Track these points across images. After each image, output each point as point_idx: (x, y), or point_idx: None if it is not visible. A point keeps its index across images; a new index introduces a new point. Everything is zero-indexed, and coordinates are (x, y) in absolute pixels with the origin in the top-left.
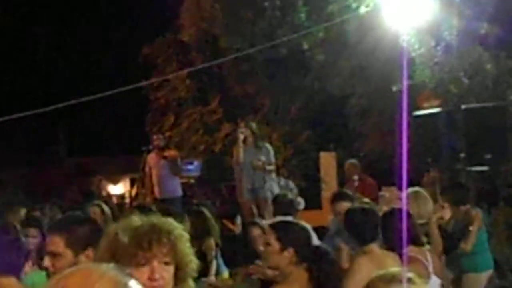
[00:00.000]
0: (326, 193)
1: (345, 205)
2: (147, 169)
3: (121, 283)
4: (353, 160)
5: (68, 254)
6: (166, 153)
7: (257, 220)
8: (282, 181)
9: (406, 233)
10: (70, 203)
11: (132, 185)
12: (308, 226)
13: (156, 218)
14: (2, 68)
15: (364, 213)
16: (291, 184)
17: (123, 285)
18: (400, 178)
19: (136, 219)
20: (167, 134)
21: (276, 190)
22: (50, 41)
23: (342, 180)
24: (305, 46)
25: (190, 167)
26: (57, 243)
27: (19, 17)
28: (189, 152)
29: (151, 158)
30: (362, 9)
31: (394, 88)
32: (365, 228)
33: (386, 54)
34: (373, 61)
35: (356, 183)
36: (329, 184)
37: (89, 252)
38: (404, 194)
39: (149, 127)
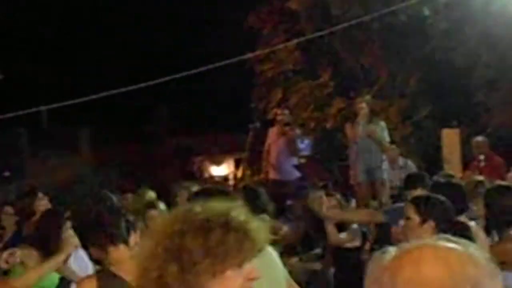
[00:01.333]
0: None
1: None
2: (266, 146)
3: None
4: (480, 137)
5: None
6: (288, 130)
7: (333, 193)
8: (401, 161)
9: None
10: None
11: (237, 166)
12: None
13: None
14: (100, 45)
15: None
16: (411, 164)
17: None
18: None
19: (202, 217)
20: (275, 110)
21: (389, 173)
22: (148, 13)
23: (467, 159)
24: (426, 12)
25: (300, 145)
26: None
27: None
28: (299, 130)
29: (272, 134)
30: None
31: None
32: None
33: None
34: (501, 27)
35: (482, 163)
36: (453, 164)
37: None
38: None
39: (255, 103)
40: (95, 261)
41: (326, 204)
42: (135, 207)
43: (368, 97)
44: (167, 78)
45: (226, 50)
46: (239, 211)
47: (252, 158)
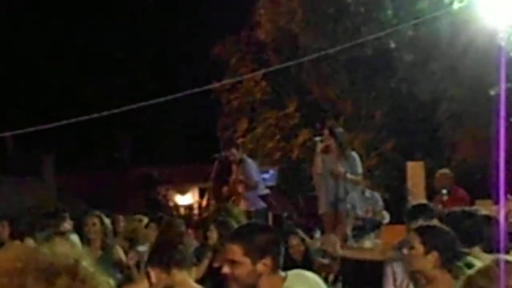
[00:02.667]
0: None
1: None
2: (232, 179)
3: None
4: (444, 170)
5: (247, 262)
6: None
7: (297, 230)
8: (368, 193)
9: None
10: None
11: (201, 195)
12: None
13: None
14: (68, 72)
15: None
16: (377, 196)
17: None
18: (497, 191)
19: (49, 259)
20: (240, 140)
21: (358, 204)
22: (113, 41)
23: (431, 192)
24: (392, 46)
25: (265, 176)
26: (236, 251)
27: (79, 22)
28: (264, 160)
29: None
30: (455, 5)
31: (491, 92)
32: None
33: (481, 54)
34: (467, 62)
35: (445, 197)
36: (417, 196)
37: (267, 260)
38: (501, 208)
39: (220, 133)
40: None
41: (339, 244)
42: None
43: (340, 129)
44: (132, 106)
45: (192, 79)
46: (88, 262)
47: (217, 188)
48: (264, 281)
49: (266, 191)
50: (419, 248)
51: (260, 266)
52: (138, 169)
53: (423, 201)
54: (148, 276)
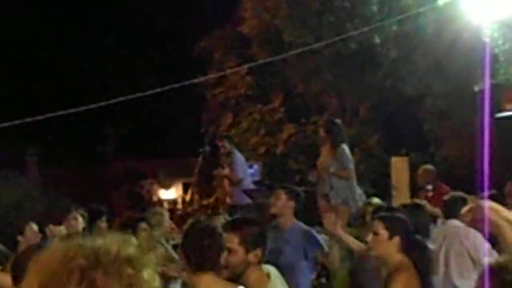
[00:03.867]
0: (397, 202)
1: None
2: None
3: None
4: (427, 166)
5: (241, 251)
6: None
7: None
8: (359, 190)
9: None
10: (119, 208)
11: (185, 190)
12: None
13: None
14: (51, 65)
15: None
16: (359, 191)
17: None
18: (481, 186)
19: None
20: (224, 134)
21: (351, 196)
22: (98, 35)
23: (415, 187)
24: (377, 41)
25: (249, 170)
26: (232, 239)
27: (63, 14)
28: (248, 155)
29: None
30: (440, 1)
31: (476, 88)
32: None
33: (466, 50)
34: (452, 58)
35: (430, 193)
36: (401, 192)
37: (258, 252)
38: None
39: (205, 128)
40: None
41: (340, 224)
42: None
43: (338, 121)
44: (116, 100)
45: (177, 74)
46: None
47: (201, 182)
48: (251, 271)
49: (251, 186)
50: (384, 233)
51: (251, 256)
52: (122, 163)
53: (406, 196)
54: None
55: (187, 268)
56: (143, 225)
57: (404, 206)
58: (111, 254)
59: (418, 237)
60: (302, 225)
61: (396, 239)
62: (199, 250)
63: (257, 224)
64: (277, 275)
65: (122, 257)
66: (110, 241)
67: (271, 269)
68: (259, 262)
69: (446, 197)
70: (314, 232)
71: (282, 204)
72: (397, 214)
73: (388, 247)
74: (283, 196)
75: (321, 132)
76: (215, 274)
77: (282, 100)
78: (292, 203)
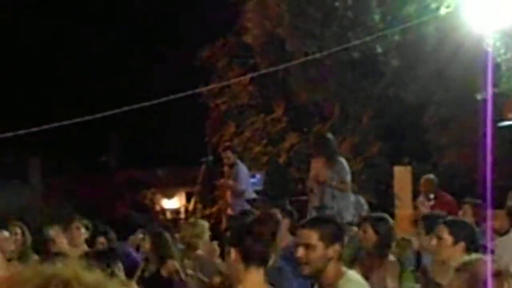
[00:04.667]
0: (400, 211)
1: None
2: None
3: None
4: (430, 175)
5: (320, 246)
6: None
7: None
8: (352, 197)
9: None
10: (121, 217)
11: (188, 199)
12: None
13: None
14: (54, 74)
15: None
16: (362, 200)
17: None
18: (483, 196)
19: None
20: (227, 144)
21: (347, 211)
22: (101, 44)
23: (418, 196)
24: (379, 50)
25: (252, 180)
26: (312, 236)
27: (66, 21)
28: (251, 164)
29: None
30: (442, 10)
31: (478, 97)
32: None
33: (468, 59)
34: (454, 66)
35: (432, 202)
36: (403, 201)
37: (337, 247)
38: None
39: (207, 137)
40: None
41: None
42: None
43: (329, 135)
44: (120, 110)
45: (180, 83)
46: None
47: (204, 192)
48: (331, 266)
49: (253, 196)
50: (448, 238)
51: (331, 251)
52: (125, 173)
53: (409, 206)
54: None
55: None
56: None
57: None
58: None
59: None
60: None
61: (461, 244)
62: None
63: (335, 221)
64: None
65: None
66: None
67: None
68: (338, 258)
69: None
70: None
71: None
72: (462, 219)
73: (453, 252)
74: (277, 214)
75: (313, 145)
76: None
77: (284, 110)
78: (286, 221)
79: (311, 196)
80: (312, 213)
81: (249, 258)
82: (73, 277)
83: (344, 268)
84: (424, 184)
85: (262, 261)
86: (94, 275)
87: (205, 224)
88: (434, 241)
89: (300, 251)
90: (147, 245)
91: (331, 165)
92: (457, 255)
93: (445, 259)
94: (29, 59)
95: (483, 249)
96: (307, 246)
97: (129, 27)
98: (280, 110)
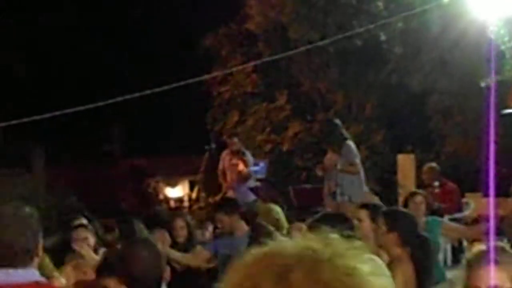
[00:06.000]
0: (404, 199)
1: None
2: (220, 170)
3: None
4: (432, 164)
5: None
6: (238, 164)
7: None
8: (365, 188)
9: None
10: (126, 206)
11: (191, 188)
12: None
13: None
14: (58, 63)
15: None
16: (366, 188)
17: None
18: (487, 184)
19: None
20: (231, 132)
21: (356, 193)
22: (103, 32)
23: (422, 184)
24: (383, 38)
25: (255, 168)
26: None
27: (72, 10)
28: (254, 152)
29: (225, 159)
30: None
31: (482, 84)
32: None
33: (471, 47)
34: (457, 54)
35: (437, 190)
36: (407, 189)
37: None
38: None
39: (210, 125)
40: None
41: None
42: None
43: (336, 121)
44: (122, 98)
45: (182, 71)
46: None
47: (207, 180)
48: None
49: (256, 184)
50: (382, 226)
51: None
52: (128, 161)
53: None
54: None
55: None
56: None
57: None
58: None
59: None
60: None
61: (395, 233)
62: None
63: (344, 217)
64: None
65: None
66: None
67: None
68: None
69: None
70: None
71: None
72: (397, 208)
73: (387, 240)
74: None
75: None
76: None
77: (287, 98)
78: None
79: (327, 180)
80: (326, 199)
81: None
82: (326, 259)
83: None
84: (427, 173)
85: None
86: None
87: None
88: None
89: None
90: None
91: (338, 149)
92: (391, 243)
93: (380, 246)
94: (32, 47)
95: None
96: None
97: (132, 16)
98: (283, 98)
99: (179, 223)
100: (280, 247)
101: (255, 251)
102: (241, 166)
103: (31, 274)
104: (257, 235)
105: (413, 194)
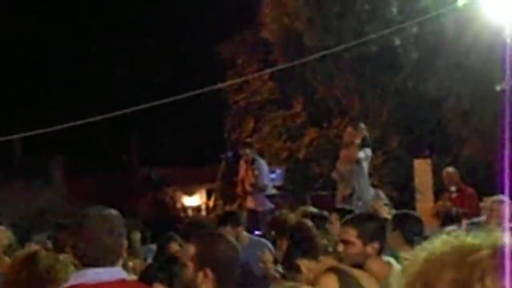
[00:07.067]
0: (421, 204)
1: None
2: (240, 178)
3: None
4: (450, 168)
5: (358, 243)
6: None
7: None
8: (372, 191)
9: None
10: (143, 216)
11: (208, 197)
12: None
13: None
14: (76, 74)
15: None
16: (382, 194)
17: None
18: (504, 188)
19: None
20: (245, 140)
21: (368, 191)
22: (118, 43)
23: (439, 189)
24: (397, 43)
25: (272, 175)
26: (350, 233)
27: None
28: (270, 160)
29: (242, 168)
30: (460, 1)
31: (497, 88)
32: None
33: (487, 51)
34: (473, 58)
35: (454, 195)
36: (424, 194)
37: (376, 244)
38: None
39: (227, 133)
40: None
41: None
42: None
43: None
44: (139, 107)
45: (198, 80)
46: None
47: (224, 188)
48: (371, 263)
49: (274, 191)
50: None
51: (369, 249)
52: (146, 170)
53: (430, 199)
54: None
55: None
56: None
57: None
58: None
59: None
60: (259, 239)
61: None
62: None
63: (376, 219)
64: (397, 265)
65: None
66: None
67: (390, 259)
68: (378, 254)
69: None
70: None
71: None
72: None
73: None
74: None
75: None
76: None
77: (303, 105)
78: (240, 228)
79: (342, 184)
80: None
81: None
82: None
83: (387, 261)
84: (447, 177)
85: None
86: None
87: None
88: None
89: (340, 247)
90: None
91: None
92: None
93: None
94: (50, 59)
95: None
96: (346, 242)
97: (149, 25)
98: (299, 105)
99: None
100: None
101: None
102: (252, 179)
103: (118, 272)
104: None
105: None
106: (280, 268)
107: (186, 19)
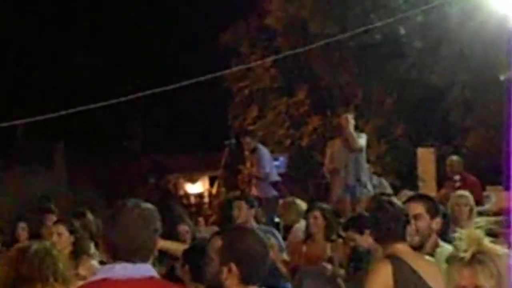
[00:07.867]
0: (424, 193)
1: None
2: (248, 164)
3: None
4: (455, 157)
5: (427, 217)
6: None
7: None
8: (375, 180)
9: None
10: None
11: (211, 184)
12: None
13: None
14: (79, 60)
15: None
16: (385, 182)
17: None
18: (508, 177)
19: None
20: (250, 128)
21: (369, 181)
22: (121, 30)
23: (442, 178)
24: (402, 32)
25: (275, 163)
26: (419, 208)
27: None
28: (274, 147)
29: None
30: None
31: (501, 77)
32: None
33: (492, 40)
34: (477, 47)
35: (458, 184)
36: (427, 183)
37: (439, 219)
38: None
39: (230, 121)
40: None
41: None
42: None
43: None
44: (142, 94)
45: (202, 67)
46: None
47: (227, 176)
48: (433, 238)
49: (277, 178)
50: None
51: (434, 224)
52: (149, 157)
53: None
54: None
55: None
56: None
57: None
58: None
59: None
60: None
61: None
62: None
63: (432, 199)
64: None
65: None
66: None
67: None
68: (438, 232)
69: None
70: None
71: (245, 213)
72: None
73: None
74: (243, 205)
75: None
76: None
77: (307, 93)
78: (252, 211)
79: (343, 172)
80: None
81: None
82: None
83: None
84: (451, 165)
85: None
86: None
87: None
88: None
89: (412, 223)
90: None
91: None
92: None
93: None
94: (52, 44)
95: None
96: (416, 217)
97: (151, 12)
98: (303, 93)
99: (184, 228)
100: None
101: None
102: (254, 169)
103: (147, 269)
104: None
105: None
106: (285, 255)
107: (190, 6)
